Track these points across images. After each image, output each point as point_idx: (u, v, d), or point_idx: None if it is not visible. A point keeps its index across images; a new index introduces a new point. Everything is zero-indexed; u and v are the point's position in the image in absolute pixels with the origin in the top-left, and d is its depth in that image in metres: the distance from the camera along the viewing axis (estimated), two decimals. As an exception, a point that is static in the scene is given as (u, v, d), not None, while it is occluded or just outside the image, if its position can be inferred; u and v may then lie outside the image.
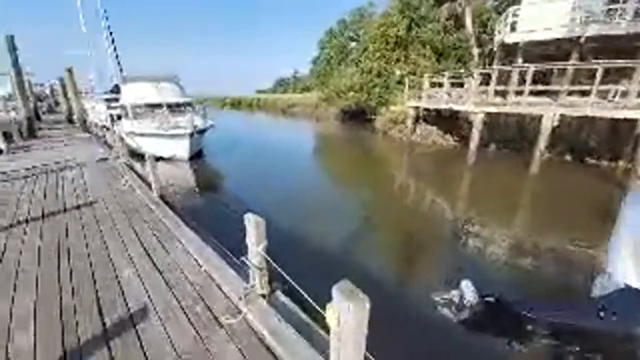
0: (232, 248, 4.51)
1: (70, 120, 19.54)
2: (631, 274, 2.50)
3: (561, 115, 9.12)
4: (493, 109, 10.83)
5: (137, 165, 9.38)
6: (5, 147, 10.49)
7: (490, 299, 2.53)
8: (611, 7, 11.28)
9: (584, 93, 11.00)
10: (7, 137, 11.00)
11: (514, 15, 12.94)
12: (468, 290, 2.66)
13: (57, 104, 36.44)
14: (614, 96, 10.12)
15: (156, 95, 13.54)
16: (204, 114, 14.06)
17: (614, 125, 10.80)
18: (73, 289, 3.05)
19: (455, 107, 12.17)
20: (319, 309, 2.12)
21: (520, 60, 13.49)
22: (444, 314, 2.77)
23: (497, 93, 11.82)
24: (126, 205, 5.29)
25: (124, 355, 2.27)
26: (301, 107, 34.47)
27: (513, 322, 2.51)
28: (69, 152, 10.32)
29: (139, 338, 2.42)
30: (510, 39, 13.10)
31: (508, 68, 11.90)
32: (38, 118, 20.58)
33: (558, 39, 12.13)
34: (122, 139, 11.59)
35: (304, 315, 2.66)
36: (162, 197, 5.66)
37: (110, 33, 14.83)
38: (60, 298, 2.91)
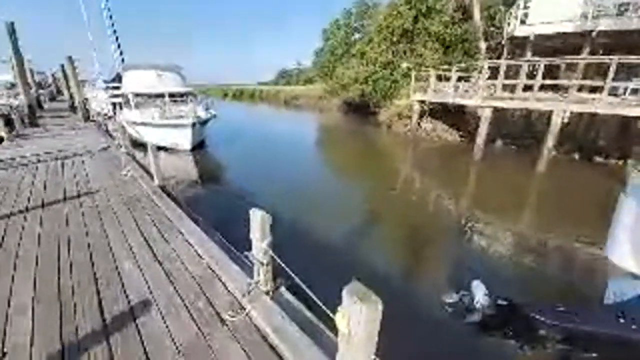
0: (234, 241, 4.44)
1: (72, 109, 19.41)
2: (628, 258, 2.64)
3: (571, 112, 8.90)
4: (502, 104, 10.60)
5: (139, 155, 9.31)
6: (7, 134, 10.40)
7: (503, 302, 2.44)
8: (623, 1, 10.95)
9: (593, 90, 10.82)
10: (9, 124, 10.90)
11: (525, 7, 12.61)
12: (479, 292, 2.57)
13: (59, 92, 36.30)
14: (624, 93, 9.90)
15: (158, 84, 13.36)
16: (206, 104, 13.90)
17: (624, 123, 10.59)
18: (72, 278, 2.99)
19: (463, 102, 11.94)
20: (324, 308, 2.04)
21: (529, 54, 13.20)
22: (453, 315, 2.69)
23: (504, 87, 11.58)
24: (127, 195, 5.21)
25: (123, 349, 2.21)
26: (304, 99, 34.16)
27: (525, 326, 2.42)
28: (70, 140, 10.23)
29: (139, 332, 2.35)
30: (520, 32, 12.79)
31: (520, 62, 11.58)
32: (40, 106, 20.48)
33: (569, 33, 11.82)
34: (123, 128, 11.50)
35: (308, 313, 2.58)
36: (163, 187, 5.58)
37: (111, 17, 14.60)
38: (59, 289, 2.84)
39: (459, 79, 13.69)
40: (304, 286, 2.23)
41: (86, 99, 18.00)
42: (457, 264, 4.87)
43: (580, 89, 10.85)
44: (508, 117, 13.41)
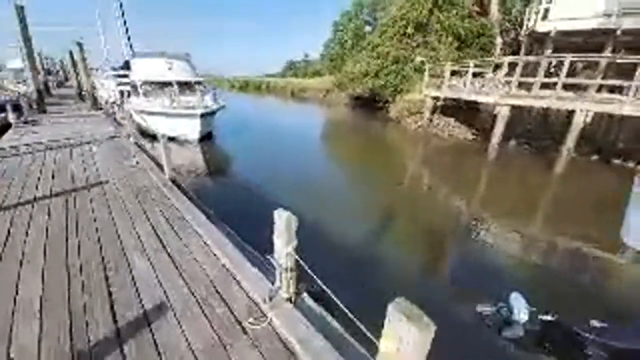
0: (246, 237, 4.28)
1: (80, 96, 19.31)
2: None
3: (595, 112, 8.55)
4: (521, 102, 10.25)
5: (147, 145, 9.16)
6: (14, 120, 10.30)
7: (547, 317, 2.25)
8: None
9: (611, 90, 10.43)
10: (17, 109, 10.80)
11: (547, 2, 12.13)
12: (519, 305, 2.37)
13: (67, 78, 36.28)
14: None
15: (167, 72, 13.14)
16: (214, 94, 13.67)
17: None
18: (82, 273, 2.84)
19: (480, 99, 11.57)
20: (358, 322, 1.86)
21: (549, 50, 12.75)
22: (490, 328, 2.49)
23: (520, 85, 11.21)
24: (137, 187, 5.05)
25: (138, 354, 2.06)
26: (312, 92, 33.72)
27: (569, 343, 2.24)
28: (78, 128, 10.10)
29: (154, 338, 2.20)
30: (541, 27, 12.33)
31: (544, 58, 11.15)
32: (48, 92, 20.39)
33: (591, 30, 11.37)
34: (131, 117, 11.33)
35: (335, 323, 2.41)
36: (173, 180, 5.42)
37: (121, 5, 14.35)
38: (69, 288, 2.69)
39: (474, 75, 13.28)
40: (333, 295, 2.05)
41: (94, 87, 17.88)
42: (486, 271, 4.63)
43: (600, 89, 10.46)
44: (524, 116, 13.02)
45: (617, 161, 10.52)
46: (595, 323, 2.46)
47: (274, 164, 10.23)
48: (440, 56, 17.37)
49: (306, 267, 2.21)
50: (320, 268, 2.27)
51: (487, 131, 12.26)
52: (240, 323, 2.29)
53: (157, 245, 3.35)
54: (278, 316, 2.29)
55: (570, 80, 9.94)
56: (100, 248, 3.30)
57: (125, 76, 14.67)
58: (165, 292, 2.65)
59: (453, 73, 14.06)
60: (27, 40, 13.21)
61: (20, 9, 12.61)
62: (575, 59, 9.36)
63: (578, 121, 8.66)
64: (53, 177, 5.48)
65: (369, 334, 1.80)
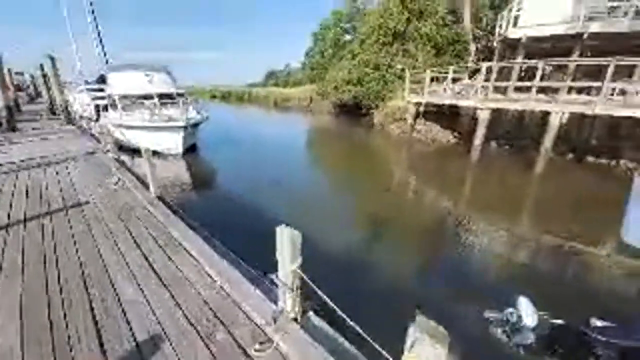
0: (240, 254, 4.10)
1: (52, 112, 18.42)
2: None
3: (570, 113, 8.96)
4: (501, 105, 10.62)
5: (128, 161, 8.79)
6: (-19, 139, 9.66)
7: (558, 322, 2.23)
8: (615, 4, 11.20)
9: (579, 91, 11.05)
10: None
11: (517, 10, 12.75)
12: (528, 310, 2.35)
13: (38, 94, 34.63)
14: (611, 94, 10.07)
15: (146, 84, 12.76)
16: (197, 106, 13.39)
17: (613, 124, 10.79)
18: (64, 306, 2.60)
19: (461, 103, 11.92)
20: (374, 344, 1.77)
21: (520, 56, 13.35)
22: (497, 334, 2.45)
23: (496, 89, 11.64)
24: (120, 206, 4.78)
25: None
26: (294, 101, 33.78)
27: (578, 344, 2.23)
28: (53, 145, 9.58)
29: (149, 374, 2.02)
30: (512, 34, 12.92)
31: (516, 64, 11.65)
32: (18, 109, 19.34)
33: (560, 35, 12.01)
34: (109, 132, 10.87)
35: (346, 343, 2.30)
36: (159, 197, 5.17)
37: (93, 11, 13.87)
38: (51, 325, 2.45)
39: (453, 80, 13.71)
40: (344, 315, 1.95)
41: (67, 101, 17.12)
42: (478, 269, 4.66)
43: (570, 90, 11.01)
44: (502, 119, 13.49)
45: (591, 159, 11.05)
46: (595, 321, 2.47)
47: (260, 175, 10.05)
48: (419, 63, 17.84)
49: (314, 287, 2.10)
50: (317, 280, 2.17)
51: (468, 134, 12.60)
52: (244, 351, 2.14)
53: (146, 268, 3.14)
54: (285, 340, 2.16)
55: (544, 84, 10.40)
56: (83, 274, 3.06)
57: (101, 90, 14.14)
58: (157, 319, 2.46)
59: (433, 79, 14.44)
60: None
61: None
62: (548, 65, 9.82)
63: (554, 122, 9.04)
64: (27, 198, 5.11)
65: (384, 353, 1.72)
